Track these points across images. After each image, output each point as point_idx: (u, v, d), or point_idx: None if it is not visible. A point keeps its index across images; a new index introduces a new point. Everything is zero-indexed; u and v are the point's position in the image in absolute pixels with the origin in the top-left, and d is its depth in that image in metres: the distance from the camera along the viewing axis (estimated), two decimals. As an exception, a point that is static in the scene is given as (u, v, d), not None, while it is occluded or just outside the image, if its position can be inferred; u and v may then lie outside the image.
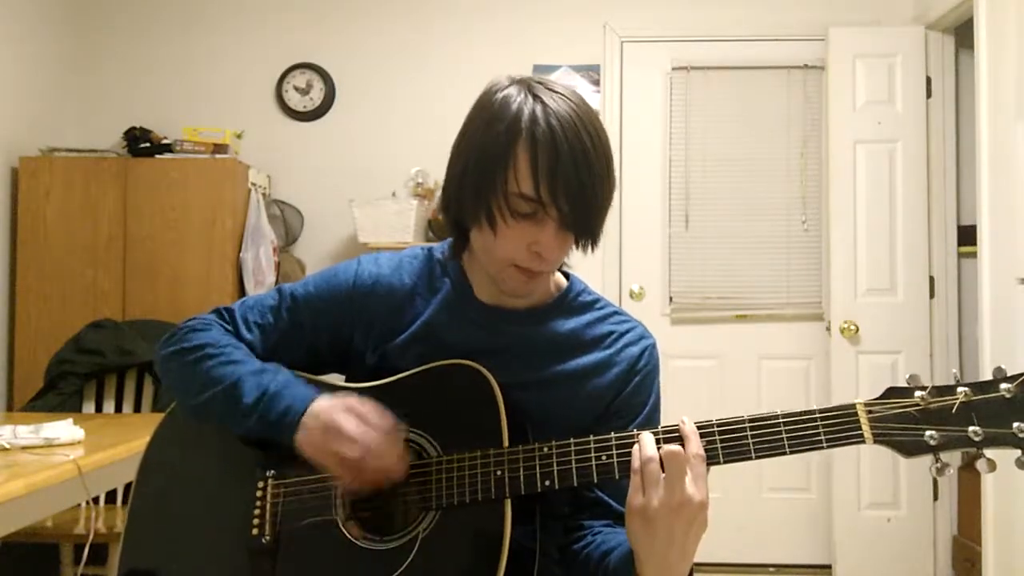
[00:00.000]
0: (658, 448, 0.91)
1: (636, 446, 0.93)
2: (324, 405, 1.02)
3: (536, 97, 0.99)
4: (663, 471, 0.90)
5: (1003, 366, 0.91)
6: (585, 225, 1.02)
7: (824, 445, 0.92)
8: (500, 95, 1.02)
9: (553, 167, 0.96)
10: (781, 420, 0.93)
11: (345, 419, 1.00)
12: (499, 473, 0.98)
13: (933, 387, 0.91)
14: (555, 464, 0.97)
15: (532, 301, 1.15)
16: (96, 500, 2.76)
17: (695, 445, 0.92)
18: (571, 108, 0.99)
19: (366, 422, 1.00)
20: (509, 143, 0.98)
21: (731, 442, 0.93)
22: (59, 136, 3.63)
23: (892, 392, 0.93)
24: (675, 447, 0.90)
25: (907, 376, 0.93)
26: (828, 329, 3.59)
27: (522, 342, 1.12)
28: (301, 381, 1.08)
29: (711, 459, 0.93)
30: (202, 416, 1.11)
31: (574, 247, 1.06)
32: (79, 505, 2.64)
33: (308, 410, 1.02)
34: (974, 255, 3.08)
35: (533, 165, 0.97)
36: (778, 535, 3.68)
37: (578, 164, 0.97)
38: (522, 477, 0.97)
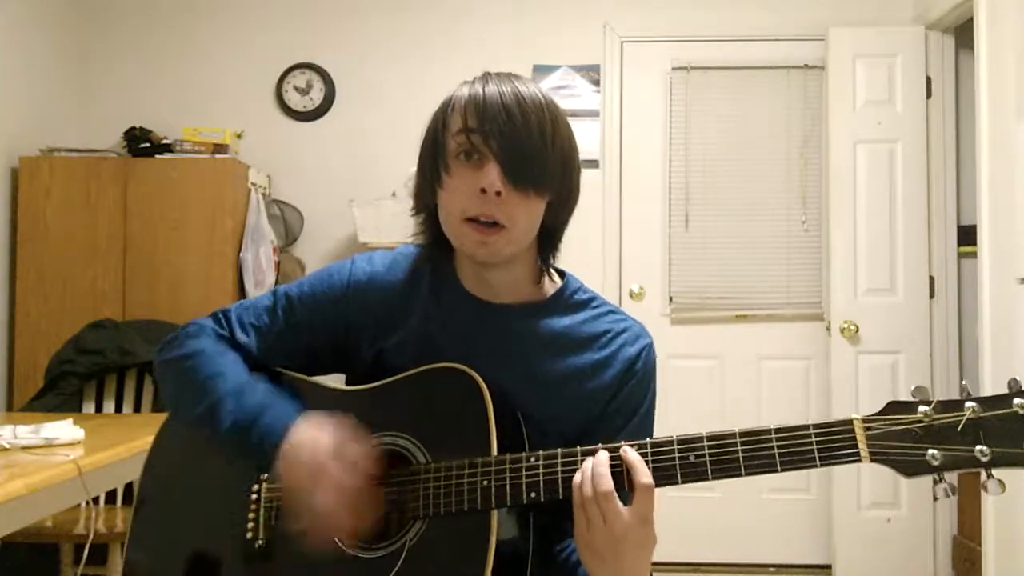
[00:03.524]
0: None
1: (576, 479, 0.93)
2: (307, 438, 1.00)
3: (484, 77, 1.06)
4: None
5: (1018, 378, 0.83)
6: (523, 163, 1.01)
7: (818, 463, 0.88)
8: (455, 88, 1.09)
9: (480, 106, 1.02)
10: (773, 435, 0.90)
11: (331, 465, 0.97)
12: (485, 483, 0.97)
13: (939, 402, 0.85)
14: (541, 475, 0.96)
15: (525, 297, 1.14)
16: (96, 500, 2.76)
17: (641, 474, 0.92)
18: (514, 83, 1.04)
19: (351, 469, 0.98)
20: (447, 107, 1.06)
21: (721, 457, 0.91)
22: (59, 136, 3.63)
23: (894, 407, 0.88)
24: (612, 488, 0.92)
25: (912, 388, 0.88)
26: (828, 329, 3.59)
27: (516, 339, 1.11)
28: (281, 399, 1.06)
29: (699, 475, 0.92)
30: (192, 430, 1.11)
31: (529, 197, 1.03)
32: (79, 505, 2.64)
33: (287, 439, 1.00)
34: (974, 255, 3.08)
35: (464, 106, 1.03)
36: (778, 535, 3.67)
37: (505, 101, 1.01)
38: (508, 488, 0.96)
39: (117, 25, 3.89)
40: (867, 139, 3.53)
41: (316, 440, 1.00)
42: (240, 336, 1.15)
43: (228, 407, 1.04)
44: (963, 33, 3.48)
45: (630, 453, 0.93)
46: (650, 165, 3.79)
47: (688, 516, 3.62)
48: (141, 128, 3.57)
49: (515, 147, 1.01)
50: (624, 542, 0.91)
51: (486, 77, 1.05)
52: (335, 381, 1.17)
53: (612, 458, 0.94)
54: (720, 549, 3.66)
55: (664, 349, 3.84)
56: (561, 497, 0.95)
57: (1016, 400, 0.82)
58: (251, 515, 1.07)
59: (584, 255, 3.65)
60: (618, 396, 1.10)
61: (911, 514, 3.48)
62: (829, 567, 3.57)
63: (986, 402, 0.84)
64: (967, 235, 3.49)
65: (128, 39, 3.89)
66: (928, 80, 3.55)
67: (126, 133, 3.57)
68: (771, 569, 3.67)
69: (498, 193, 1.00)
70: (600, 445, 0.96)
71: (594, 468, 0.93)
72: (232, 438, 1.04)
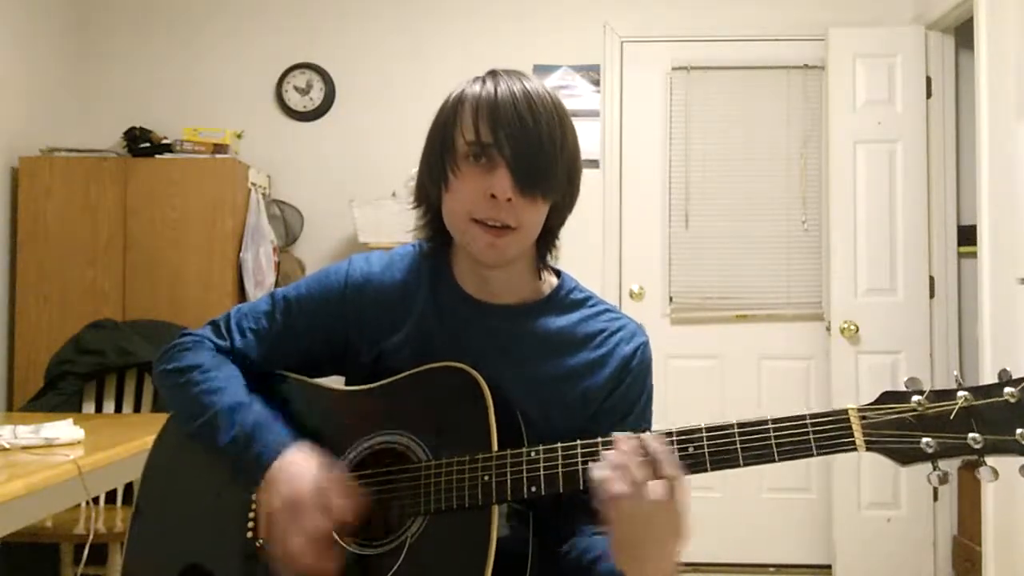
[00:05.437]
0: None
1: (601, 479, 0.87)
2: (292, 466, 1.01)
3: (492, 75, 1.05)
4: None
5: (1008, 368, 0.86)
6: (534, 171, 1.01)
7: (815, 452, 0.88)
8: (462, 83, 1.08)
9: (493, 111, 1.01)
10: (771, 426, 0.90)
11: (308, 502, 0.98)
12: (486, 478, 0.97)
13: (932, 391, 0.87)
14: (542, 469, 0.96)
15: (522, 297, 1.14)
16: (96, 500, 2.76)
17: (668, 468, 0.88)
18: (523, 82, 1.04)
19: (326, 510, 0.99)
20: (457, 106, 1.05)
21: (719, 449, 0.91)
22: (59, 136, 3.63)
23: (888, 396, 0.89)
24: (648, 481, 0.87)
25: (905, 379, 0.89)
26: (828, 329, 3.59)
27: (512, 339, 1.11)
28: (275, 422, 1.07)
29: (698, 467, 0.92)
30: (193, 441, 1.12)
31: (536, 201, 1.04)
32: (79, 505, 2.64)
33: (277, 463, 1.02)
34: (974, 255, 3.08)
35: (474, 115, 1.02)
36: (778, 535, 3.68)
37: (518, 107, 1.01)
38: (509, 482, 0.96)
39: (117, 25, 3.89)
40: (867, 139, 3.53)
41: (300, 472, 1.00)
42: (239, 342, 1.15)
43: (224, 425, 1.06)
44: (963, 33, 3.48)
45: (651, 443, 0.91)
46: (650, 165, 3.79)
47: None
48: (141, 128, 3.57)
49: (527, 155, 1.01)
50: (665, 537, 0.92)
51: (496, 77, 1.05)
52: (335, 383, 1.17)
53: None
54: (720, 549, 3.66)
55: (664, 349, 3.82)
56: (561, 491, 0.95)
57: (1007, 389, 0.84)
58: (251, 514, 1.07)
59: (584, 255, 3.65)
60: (614, 394, 1.11)
61: (911, 514, 3.48)
62: (829, 567, 3.57)
63: (978, 391, 0.86)
64: (967, 235, 3.48)
65: (128, 39, 3.89)
66: (928, 80, 3.54)
67: (126, 133, 3.57)
68: (771, 569, 3.67)
69: (508, 199, 1.01)
70: (599, 439, 0.96)
71: (650, 450, 0.88)
72: (227, 456, 1.05)
